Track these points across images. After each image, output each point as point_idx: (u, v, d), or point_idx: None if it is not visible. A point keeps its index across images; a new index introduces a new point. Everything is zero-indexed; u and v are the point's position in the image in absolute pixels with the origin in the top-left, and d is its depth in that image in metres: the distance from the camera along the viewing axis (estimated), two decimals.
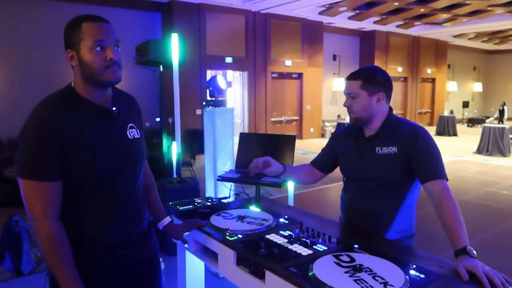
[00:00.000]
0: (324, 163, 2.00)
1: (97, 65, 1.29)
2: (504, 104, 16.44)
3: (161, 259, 3.26)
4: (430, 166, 1.63)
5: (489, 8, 11.85)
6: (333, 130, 13.06)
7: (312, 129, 13.26)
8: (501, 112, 16.59)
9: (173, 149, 4.08)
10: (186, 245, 1.81)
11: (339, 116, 14.45)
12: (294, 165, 2.11)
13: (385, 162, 1.70)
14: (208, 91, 4.17)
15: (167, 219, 1.70)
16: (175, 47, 3.88)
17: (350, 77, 1.75)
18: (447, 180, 1.62)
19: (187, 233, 1.75)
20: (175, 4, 9.65)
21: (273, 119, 12.34)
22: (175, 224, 1.75)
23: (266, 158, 1.85)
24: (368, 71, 1.75)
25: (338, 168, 1.99)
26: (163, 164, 4.61)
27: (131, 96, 1.57)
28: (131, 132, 1.45)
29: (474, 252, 1.39)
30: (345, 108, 1.79)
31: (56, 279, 1.26)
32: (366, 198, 1.76)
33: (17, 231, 3.45)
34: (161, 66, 4.18)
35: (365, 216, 1.77)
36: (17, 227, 3.46)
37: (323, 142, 12.92)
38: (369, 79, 1.71)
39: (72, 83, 1.38)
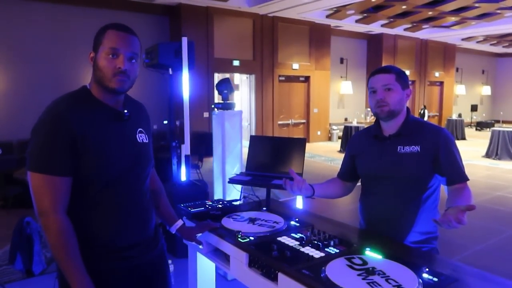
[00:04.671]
0: (349, 172, 1.98)
1: (106, 70, 1.34)
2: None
3: (170, 261, 3.27)
4: (457, 169, 1.69)
5: (498, 11, 11.78)
6: (340, 134, 13.01)
7: (319, 132, 13.24)
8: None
9: (182, 152, 4.10)
10: (200, 246, 1.82)
11: (346, 119, 14.42)
12: (305, 168, 2.11)
13: (408, 161, 1.70)
14: (220, 93, 4.17)
15: (179, 222, 1.72)
16: (185, 51, 3.91)
17: (382, 71, 1.75)
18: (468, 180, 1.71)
19: (200, 234, 1.76)
20: (183, 7, 9.71)
21: (280, 122, 12.34)
22: (188, 227, 1.76)
23: (297, 180, 1.78)
24: (397, 68, 1.78)
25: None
26: (171, 166, 4.63)
27: (141, 103, 1.61)
28: (140, 136, 1.48)
29: None
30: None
31: (63, 274, 1.28)
32: (387, 197, 1.76)
33: (28, 232, 3.49)
34: (170, 69, 4.21)
35: (387, 217, 1.76)
36: (28, 228, 3.49)
37: (330, 145, 12.98)
38: (400, 74, 1.75)
39: (88, 85, 1.43)
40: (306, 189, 1.80)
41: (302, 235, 1.63)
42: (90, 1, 8.68)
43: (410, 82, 15.90)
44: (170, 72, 4.23)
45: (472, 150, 11.47)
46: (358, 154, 1.90)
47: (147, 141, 1.51)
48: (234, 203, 2.15)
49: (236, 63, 10.86)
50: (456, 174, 1.69)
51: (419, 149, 1.70)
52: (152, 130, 1.64)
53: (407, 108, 1.80)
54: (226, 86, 4.10)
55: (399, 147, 1.73)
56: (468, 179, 1.70)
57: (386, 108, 1.71)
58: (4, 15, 7.95)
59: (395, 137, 1.76)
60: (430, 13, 11.97)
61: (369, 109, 13.52)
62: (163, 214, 1.71)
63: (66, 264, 1.27)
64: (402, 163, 1.71)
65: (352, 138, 2.02)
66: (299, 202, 2.96)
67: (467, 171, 1.72)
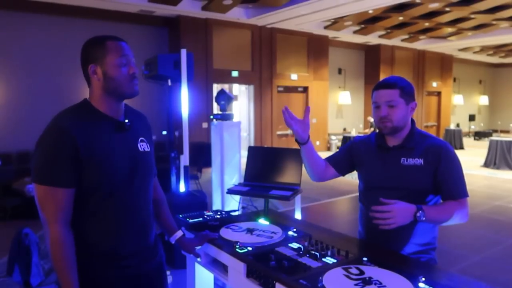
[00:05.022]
0: (340, 161, 1.94)
1: (122, 78, 1.40)
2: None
3: (168, 272, 3.27)
4: (455, 186, 1.68)
5: (494, 22, 11.92)
6: (339, 144, 13.05)
7: (318, 142, 13.27)
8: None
9: (181, 162, 4.12)
10: (198, 259, 1.83)
11: (344, 129, 14.47)
12: (302, 179, 2.12)
13: (410, 173, 1.70)
14: (217, 104, 4.21)
15: (179, 233, 1.73)
16: (184, 62, 3.95)
17: (386, 86, 1.72)
18: (468, 196, 1.69)
19: (199, 247, 1.77)
20: (182, 19, 9.81)
21: (278, 133, 12.37)
22: (188, 238, 1.77)
23: (303, 121, 1.76)
24: (401, 80, 1.74)
25: (345, 180, 1.98)
26: (170, 177, 4.64)
27: (143, 114, 1.64)
28: (142, 145, 1.51)
29: (419, 214, 1.56)
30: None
31: (59, 282, 1.31)
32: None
33: (26, 243, 3.48)
34: (169, 80, 4.24)
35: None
36: (26, 239, 3.48)
37: (329, 155, 12.84)
38: (405, 88, 1.72)
39: (88, 98, 1.45)
40: (304, 131, 1.77)
41: (300, 245, 1.64)
42: (90, 13, 8.77)
43: None
44: (169, 83, 4.26)
45: (470, 159, 11.49)
46: (361, 161, 1.88)
47: (148, 150, 1.54)
48: (233, 213, 2.16)
49: (235, 74, 10.92)
50: (449, 192, 1.68)
51: (422, 162, 1.70)
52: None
53: (412, 120, 1.79)
54: (223, 97, 4.14)
55: (402, 159, 1.73)
56: (462, 197, 1.68)
57: (389, 124, 1.71)
58: (4, 27, 8.02)
59: (398, 148, 1.75)
60: (427, 24, 12.10)
61: (371, 119, 13.29)
62: (163, 224, 1.72)
63: (62, 274, 1.31)
64: (405, 175, 1.71)
65: (355, 142, 1.95)
66: (297, 213, 2.97)
67: (466, 181, 1.69)
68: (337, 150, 2.05)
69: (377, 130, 1.84)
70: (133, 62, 1.45)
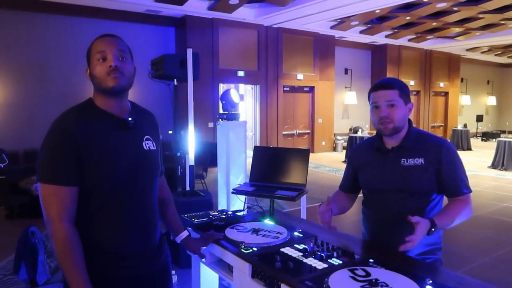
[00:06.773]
0: (350, 184, 1.97)
1: (101, 74, 1.39)
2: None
3: (173, 272, 3.27)
4: (461, 181, 1.69)
5: (502, 22, 11.80)
6: (345, 144, 12.99)
7: (323, 143, 13.23)
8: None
9: (186, 162, 4.12)
10: (203, 260, 1.82)
11: (350, 129, 14.41)
12: (308, 179, 2.11)
13: (412, 173, 1.69)
14: (221, 104, 4.22)
15: (185, 233, 1.73)
16: (190, 62, 3.95)
17: (386, 86, 1.72)
18: (471, 191, 1.72)
19: (204, 247, 1.76)
20: (189, 19, 9.82)
21: (284, 133, 12.35)
22: (193, 238, 1.77)
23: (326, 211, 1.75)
24: (399, 81, 1.76)
25: None
26: (176, 176, 4.64)
27: (150, 112, 1.63)
28: (147, 143, 1.50)
29: (433, 230, 1.55)
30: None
31: (67, 281, 1.30)
32: (391, 210, 1.74)
33: (33, 241, 3.50)
34: (175, 80, 4.25)
35: (391, 230, 1.74)
36: (33, 237, 3.50)
37: (335, 155, 12.91)
38: (403, 89, 1.73)
39: (92, 97, 1.46)
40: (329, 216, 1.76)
41: (306, 246, 1.63)
42: (98, 13, 8.80)
43: (414, 93, 16.09)
44: (175, 82, 4.27)
45: (478, 160, 11.40)
46: (361, 167, 1.88)
47: (154, 148, 1.52)
48: (238, 213, 2.16)
49: (241, 73, 10.92)
50: (455, 188, 1.70)
51: (422, 162, 1.69)
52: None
53: (409, 120, 1.79)
54: (224, 97, 4.15)
55: (402, 159, 1.72)
56: (467, 192, 1.70)
57: (390, 125, 1.70)
58: (12, 27, 8.08)
59: (398, 149, 1.74)
60: (434, 24, 12.01)
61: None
62: (169, 223, 1.72)
63: (69, 272, 1.29)
64: (407, 175, 1.70)
65: (353, 151, 1.99)
66: (302, 213, 2.96)
67: (473, 182, 1.71)
68: (343, 149, 2.06)
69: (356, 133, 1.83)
70: (115, 55, 1.40)
